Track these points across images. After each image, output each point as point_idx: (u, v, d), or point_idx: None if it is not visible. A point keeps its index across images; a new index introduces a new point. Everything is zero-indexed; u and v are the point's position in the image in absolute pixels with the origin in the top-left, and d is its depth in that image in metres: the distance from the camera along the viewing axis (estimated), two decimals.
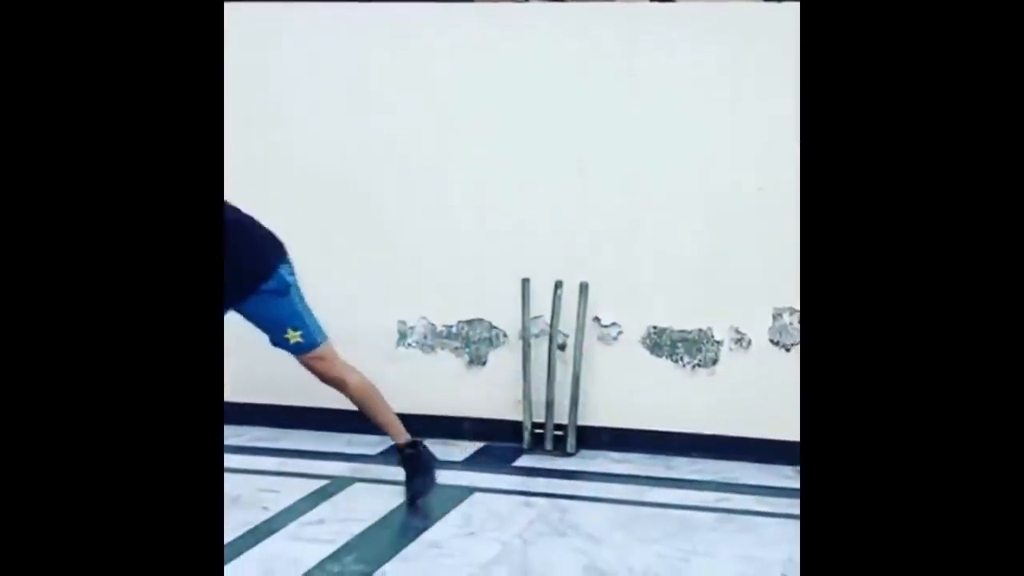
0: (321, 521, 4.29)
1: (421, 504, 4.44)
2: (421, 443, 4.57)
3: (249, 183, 5.42)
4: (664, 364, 5.18)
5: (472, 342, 5.36)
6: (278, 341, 4.33)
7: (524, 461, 5.13)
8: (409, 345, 5.41)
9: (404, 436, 4.54)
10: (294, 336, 4.29)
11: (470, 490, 4.66)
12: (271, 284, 4.23)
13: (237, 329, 5.41)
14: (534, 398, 5.23)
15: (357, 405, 4.51)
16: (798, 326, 4.94)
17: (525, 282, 5.19)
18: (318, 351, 4.36)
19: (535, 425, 5.25)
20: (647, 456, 5.13)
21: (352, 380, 4.44)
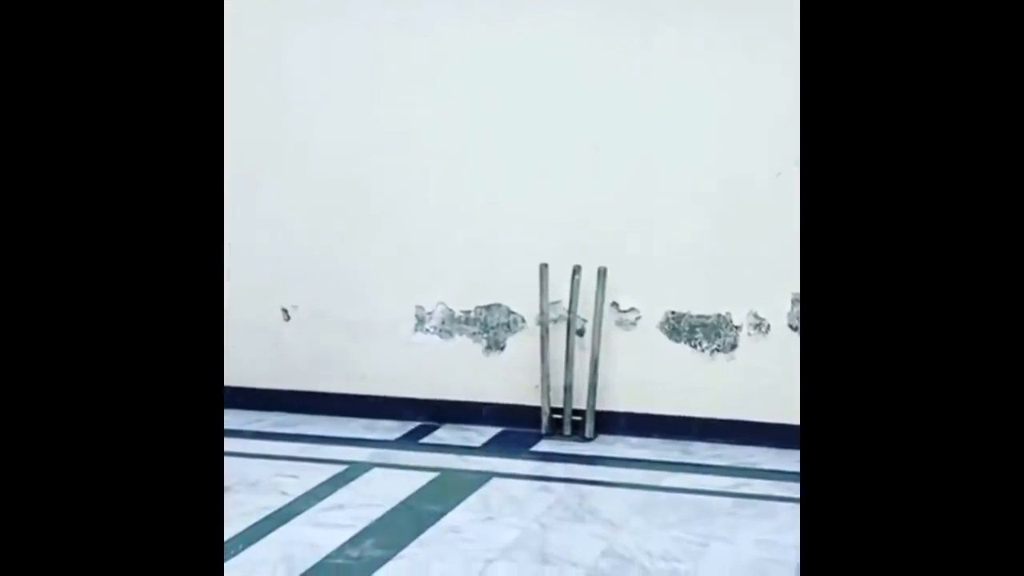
0: (340, 506, 4.30)
1: None
2: None
3: (265, 172, 5.44)
4: (683, 349, 5.17)
5: (490, 327, 5.36)
6: None
7: (542, 446, 5.14)
8: (427, 331, 5.41)
9: None
10: None
11: (488, 475, 4.66)
12: None
13: (254, 316, 5.44)
14: (552, 383, 5.23)
15: None
16: None
17: (543, 267, 5.18)
18: None
19: (553, 410, 5.25)
20: (665, 441, 5.13)
21: None
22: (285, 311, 5.49)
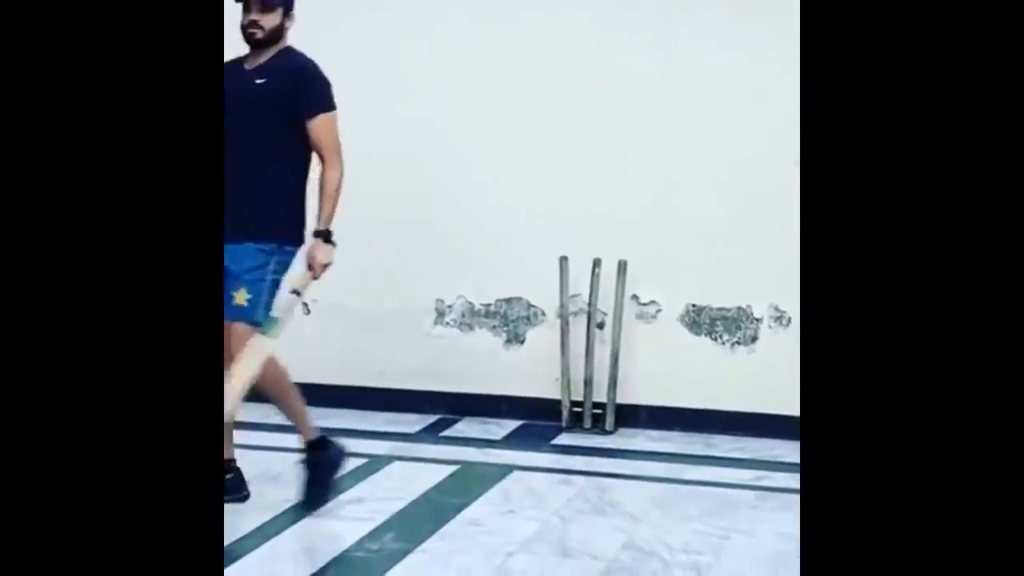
0: (360, 499, 4.30)
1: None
2: (327, 442, 4.26)
3: None
4: (703, 342, 5.16)
5: (510, 320, 5.36)
6: (224, 294, 3.97)
7: (563, 439, 5.13)
8: (447, 324, 5.41)
9: (311, 435, 4.26)
10: (240, 297, 4.02)
11: (509, 468, 4.66)
12: (271, 245, 4.06)
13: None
14: (572, 376, 5.22)
15: (267, 392, 4.19)
16: None
17: (563, 260, 5.17)
18: (245, 328, 4.03)
19: (574, 403, 5.24)
20: (686, 434, 5.12)
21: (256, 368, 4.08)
22: (305, 305, 5.49)
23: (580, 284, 5.20)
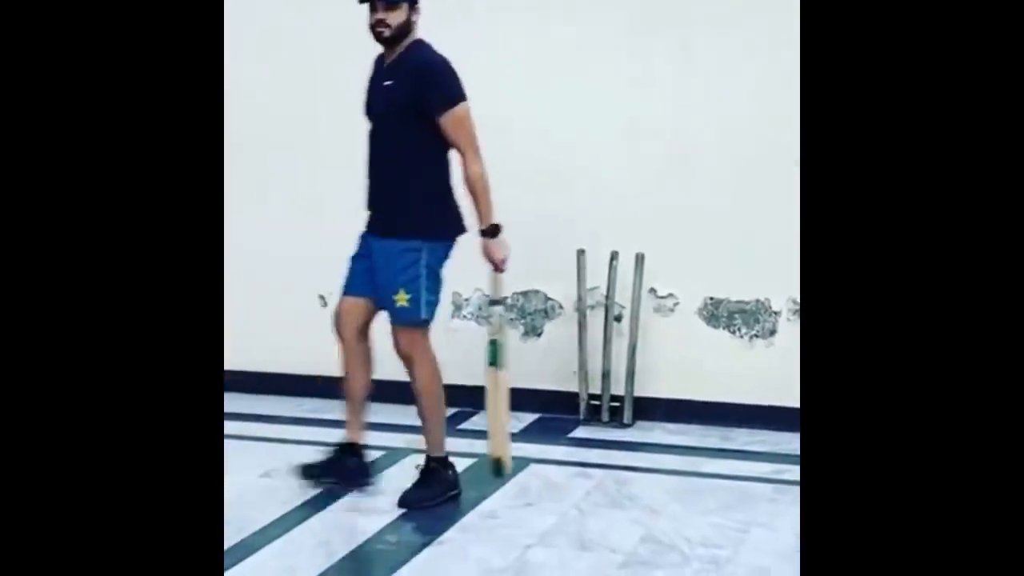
0: (379, 492, 4.30)
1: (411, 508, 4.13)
2: (452, 468, 4.28)
3: (303, 161, 5.45)
4: (721, 335, 5.15)
5: (527, 313, 5.35)
6: (385, 300, 4.12)
7: (580, 432, 5.13)
8: (464, 317, 5.41)
9: (439, 451, 4.29)
10: (402, 298, 4.09)
11: (527, 461, 4.65)
12: (416, 242, 4.08)
13: (291, 303, 5.46)
14: (590, 369, 5.22)
15: (415, 395, 4.29)
16: None
17: (580, 253, 5.17)
18: (412, 329, 4.15)
19: (591, 396, 5.24)
20: (704, 427, 5.11)
21: (422, 368, 4.24)
22: (322, 298, 5.50)
23: (598, 277, 5.19)
